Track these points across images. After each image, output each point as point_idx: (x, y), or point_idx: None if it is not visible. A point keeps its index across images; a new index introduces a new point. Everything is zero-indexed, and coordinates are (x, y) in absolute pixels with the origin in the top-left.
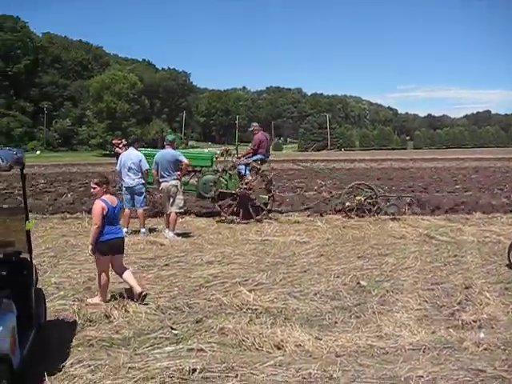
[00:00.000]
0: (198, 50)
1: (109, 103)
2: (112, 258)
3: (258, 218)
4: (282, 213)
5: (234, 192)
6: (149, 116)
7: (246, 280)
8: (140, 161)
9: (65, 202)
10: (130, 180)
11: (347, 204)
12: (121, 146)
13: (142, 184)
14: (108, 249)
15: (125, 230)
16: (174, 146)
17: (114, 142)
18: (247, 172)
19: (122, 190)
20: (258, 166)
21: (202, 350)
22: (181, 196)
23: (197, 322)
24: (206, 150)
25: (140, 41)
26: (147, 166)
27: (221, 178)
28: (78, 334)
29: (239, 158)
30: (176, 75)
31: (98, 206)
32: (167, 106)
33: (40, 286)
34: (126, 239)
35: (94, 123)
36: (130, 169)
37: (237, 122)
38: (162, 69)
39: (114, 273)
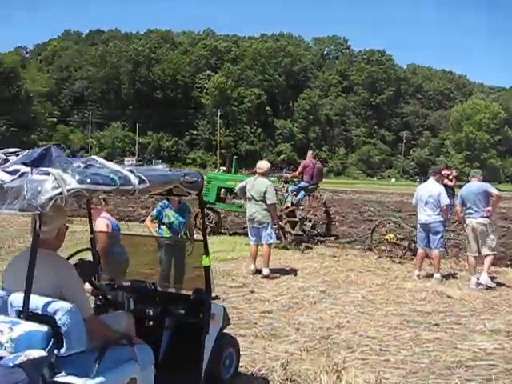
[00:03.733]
0: None
1: (468, 133)
2: None
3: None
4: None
5: None
6: None
7: None
8: (439, 194)
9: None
10: (426, 216)
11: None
12: (450, 177)
13: (440, 221)
14: None
15: (416, 272)
16: (480, 178)
17: (443, 172)
18: (288, 198)
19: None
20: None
21: None
22: (492, 236)
23: None
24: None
25: (507, 68)
26: (448, 202)
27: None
28: None
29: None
30: None
31: (102, 223)
32: None
33: (280, 325)
34: (411, 284)
35: (452, 154)
36: (426, 203)
37: None
38: None
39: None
